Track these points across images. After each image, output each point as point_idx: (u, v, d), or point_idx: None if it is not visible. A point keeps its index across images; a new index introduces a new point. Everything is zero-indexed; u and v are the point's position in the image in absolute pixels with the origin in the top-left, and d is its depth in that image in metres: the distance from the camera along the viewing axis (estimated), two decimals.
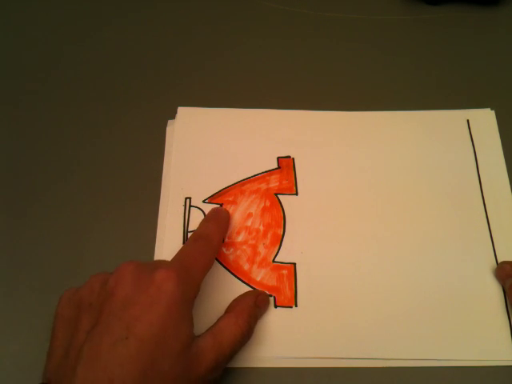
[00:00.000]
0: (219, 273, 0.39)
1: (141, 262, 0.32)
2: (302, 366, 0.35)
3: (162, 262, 0.34)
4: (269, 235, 0.40)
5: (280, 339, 0.36)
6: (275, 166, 0.43)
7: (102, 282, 0.32)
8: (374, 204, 0.41)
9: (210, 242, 0.36)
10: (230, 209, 0.41)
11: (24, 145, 0.45)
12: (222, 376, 0.34)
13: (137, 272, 0.31)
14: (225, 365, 0.34)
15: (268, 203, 0.41)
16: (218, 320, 0.34)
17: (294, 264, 0.39)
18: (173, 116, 0.45)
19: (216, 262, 0.39)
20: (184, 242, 0.40)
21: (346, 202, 0.41)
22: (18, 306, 0.37)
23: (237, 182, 0.42)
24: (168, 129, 0.45)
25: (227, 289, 0.38)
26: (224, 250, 0.40)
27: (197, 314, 0.35)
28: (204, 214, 0.41)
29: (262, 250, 0.40)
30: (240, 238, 0.40)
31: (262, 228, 0.40)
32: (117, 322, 0.28)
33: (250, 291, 0.38)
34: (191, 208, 0.41)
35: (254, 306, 0.36)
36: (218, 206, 0.41)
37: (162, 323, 0.29)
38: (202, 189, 0.42)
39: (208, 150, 0.44)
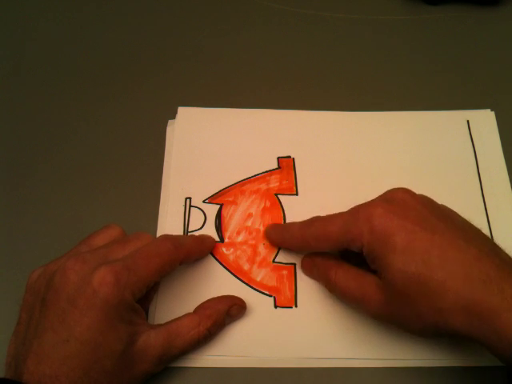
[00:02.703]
0: (219, 273, 0.39)
1: (87, 257, 0.33)
2: (302, 366, 0.35)
3: (109, 256, 0.33)
4: None
5: (280, 339, 0.36)
6: (275, 166, 0.43)
7: (54, 271, 0.32)
8: None
9: (178, 247, 0.35)
10: (231, 209, 0.41)
11: (24, 145, 0.44)
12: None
13: (81, 272, 0.32)
14: (170, 362, 0.34)
15: (268, 203, 0.41)
16: (182, 317, 0.35)
17: (294, 264, 0.39)
18: (173, 116, 0.45)
19: (216, 261, 0.39)
20: None
21: (346, 202, 0.41)
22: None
23: (237, 182, 0.42)
24: (168, 129, 0.45)
25: (227, 289, 0.38)
26: (224, 250, 0.40)
27: None
28: (204, 214, 0.41)
29: (262, 250, 0.40)
30: (240, 238, 0.40)
31: (262, 228, 0.40)
32: (60, 324, 0.30)
33: (227, 296, 0.37)
34: (191, 208, 0.41)
35: (225, 313, 0.35)
36: (218, 205, 0.41)
37: (99, 327, 0.30)
38: (203, 189, 0.42)
39: (208, 149, 0.44)
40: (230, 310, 0.36)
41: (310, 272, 0.38)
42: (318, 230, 0.35)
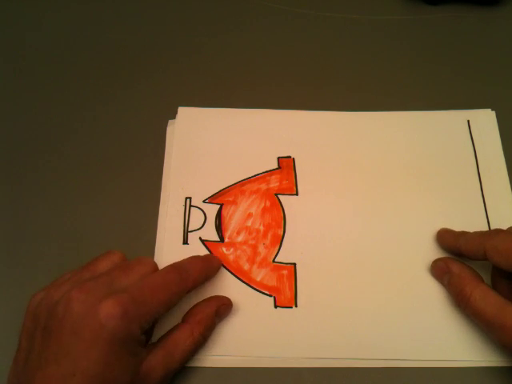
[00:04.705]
0: (219, 273, 0.39)
1: (91, 285, 0.31)
2: (302, 365, 0.35)
3: (113, 284, 0.32)
4: (269, 235, 0.40)
5: (280, 339, 0.36)
6: (275, 166, 0.43)
7: (57, 299, 0.31)
8: (374, 204, 0.41)
9: (184, 278, 0.34)
10: (231, 209, 0.41)
11: (24, 145, 0.45)
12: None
13: (86, 302, 0.31)
14: (173, 374, 0.34)
15: (268, 203, 0.41)
16: (173, 330, 0.34)
17: (294, 264, 0.39)
18: (173, 116, 0.45)
19: None
20: (184, 243, 0.40)
21: (347, 203, 0.41)
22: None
23: (237, 182, 0.42)
24: (168, 129, 0.45)
25: (227, 289, 0.38)
26: (224, 250, 0.40)
27: None
28: (204, 214, 0.41)
29: (262, 250, 0.40)
30: (240, 238, 0.40)
31: (262, 228, 0.40)
32: (65, 357, 0.29)
33: (213, 297, 0.37)
34: (191, 208, 0.41)
35: (214, 315, 0.35)
36: (218, 205, 0.41)
37: (106, 361, 0.29)
38: (203, 189, 0.42)
39: (208, 149, 0.44)
40: (218, 311, 0.36)
41: (439, 276, 0.37)
42: (503, 243, 0.33)
